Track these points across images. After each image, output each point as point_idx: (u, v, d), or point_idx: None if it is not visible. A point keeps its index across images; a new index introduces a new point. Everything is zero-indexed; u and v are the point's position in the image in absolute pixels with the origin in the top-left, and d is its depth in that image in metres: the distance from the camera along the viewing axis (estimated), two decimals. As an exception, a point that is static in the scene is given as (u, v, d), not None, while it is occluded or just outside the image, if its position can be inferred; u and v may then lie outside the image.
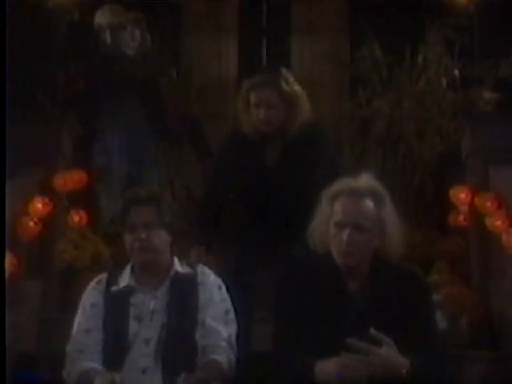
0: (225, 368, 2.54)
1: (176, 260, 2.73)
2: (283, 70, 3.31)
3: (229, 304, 2.69)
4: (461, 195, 4.12)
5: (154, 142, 4.83)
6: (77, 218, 4.31)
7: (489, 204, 3.89)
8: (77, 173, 4.27)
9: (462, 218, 4.19)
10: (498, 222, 3.80)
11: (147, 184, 4.70)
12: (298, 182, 3.12)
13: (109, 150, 4.70)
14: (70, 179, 4.18)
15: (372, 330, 2.24)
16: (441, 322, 3.33)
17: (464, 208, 4.13)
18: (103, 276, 2.75)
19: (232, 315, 2.67)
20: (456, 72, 4.72)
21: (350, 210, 2.37)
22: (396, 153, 4.74)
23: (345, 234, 2.35)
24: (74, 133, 4.37)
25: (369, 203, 2.38)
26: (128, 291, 2.66)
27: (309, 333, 2.33)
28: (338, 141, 4.84)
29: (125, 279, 2.68)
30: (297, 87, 3.26)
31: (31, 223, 3.84)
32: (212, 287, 2.68)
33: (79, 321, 2.67)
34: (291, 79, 3.25)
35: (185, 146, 5.07)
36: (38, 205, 3.91)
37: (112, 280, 2.70)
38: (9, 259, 3.49)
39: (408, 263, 4.01)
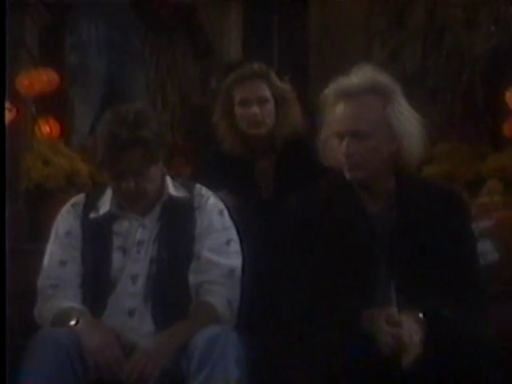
0: (220, 311, 2.55)
1: (169, 180, 2.69)
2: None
3: (232, 233, 2.68)
4: (519, 100, 4.07)
5: (140, 35, 4.78)
6: (46, 128, 4.32)
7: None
8: (45, 72, 4.22)
9: (519, 127, 4.16)
10: None
11: (131, 86, 4.67)
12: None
13: (84, 45, 4.65)
14: (36, 80, 4.14)
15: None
16: (491, 253, 3.36)
17: (523, 116, 4.10)
18: (79, 198, 2.74)
19: (235, 246, 2.67)
20: None
21: (346, 116, 2.37)
22: (439, 47, 4.68)
23: (343, 146, 2.37)
24: (40, 21, 4.31)
25: (369, 102, 2.36)
26: (109, 218, 2.65)
27: (322, 268, 2.35)
28: (367, 34, 4.77)
29: (105, 204, 2.67)
30: (287, 84, 3.23)
31: (-10, 134, 3.82)
32: (211, 212, 2.67)
33: (52, 251, 2.67)
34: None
35: (178, 40, 5.01)
36: (-2, 112, 3.88)
37: (90, 204, 2.69)
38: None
39: (452, 182, 4.03)
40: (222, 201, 2.75)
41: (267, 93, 3.19)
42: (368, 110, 2.36)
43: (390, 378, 2.17)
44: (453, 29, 4.67)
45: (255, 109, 3.16)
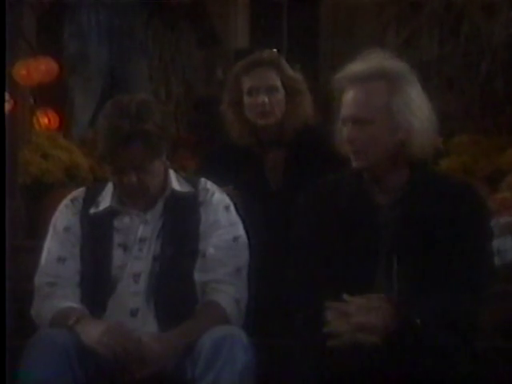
0: (227, 311, 2.54)
1: (173, 175, 2.68)
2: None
3: (239, 229, 2.67)
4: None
5: (143, 22, 4.77)
6: (45, 120, 4.34)
7: None
8: (44, 62, 4.23)
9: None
10: None
11: (133, 76, 4.67)
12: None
13: (84, 33, 4.66)
14: (34, 70, 4.14)
15: None
16: (511, 250, 3.32)
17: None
18: (79, 192, 2.73)
19: (243, 243, 2.66)
20: None
21: (351, 101, 2.38)
22: (456, 33, 4.69)
23: (345, 131, 2.39)
24: (38, 9, 4.34)
25: (375, 89, 2.36)
26: (110, 214, 2.64)
27: (330, 263, 2.36)
28: (380, 20, 4.76)
29: (106, 199, 2.66)
30: (298, 74, 3.23)
31: (-15, 126, 3.83)
32: (217, 208, 2.65)
33: (50, 247, 2.66)
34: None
35: (183, 28, 5.01)
36: (-6, 103, 3.89)
37: (90, 199, 2.68)
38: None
39: (470, 176, 4.02)
40: (229, 195, 2.74)
41: (277, 82, 3.18)
42: (371, 96, 2.36)
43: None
44: (471, 14, 4.67)
45: (264, 98, 3.14)
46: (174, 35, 5.05)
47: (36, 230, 3.77)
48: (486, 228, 2.44)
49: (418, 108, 2.36)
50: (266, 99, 3.14)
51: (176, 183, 2.66)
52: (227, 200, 2.69)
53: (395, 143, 2.36)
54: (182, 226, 2.61)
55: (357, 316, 2.20)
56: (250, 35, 5.74)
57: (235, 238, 2.64)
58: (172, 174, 2.68)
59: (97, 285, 2.59)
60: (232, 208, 2.68)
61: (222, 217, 2.65)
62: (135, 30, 4.77)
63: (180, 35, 5.07)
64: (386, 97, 2.35)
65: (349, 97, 2.38)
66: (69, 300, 2.56)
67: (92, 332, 2.42)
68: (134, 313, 2.56)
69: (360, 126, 2.36)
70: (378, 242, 2.35)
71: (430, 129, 2.38)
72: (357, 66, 2.40)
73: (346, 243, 2.36)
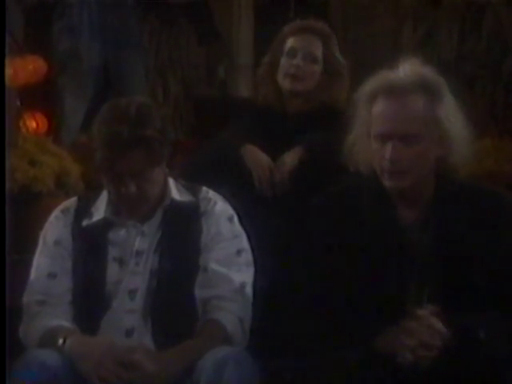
0: (230, 330, 2.55)
1: (172, 183, 2.70)
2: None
3: (243, 241, 2.68)
4: None
5: (138, 17, 4.79)
6: (33, 123, 4.35)
7: None
8: (31, 60, 4.27)
9: None
10: None
11: (128, 76, 4.68)
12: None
13: (75, 29, 4.66)
14: (22, 69, 4.20)
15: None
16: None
17: None
18: (70, 203, 2.75)
19: (247, 256, 2.67)
20: None
21: (392, 116, 2.35)
22: (478, 29, 4.69)
23: (388, 150, 2.34)
24: (25, 3, 4.38)
25: (417, 101, 2.35)
26: (104, 225, 2.65)
27: (343, 279, 2.38)
28: (396, 15, 4.77)
29: (99, 210, 2.67)
30: (344, 60, 3.32)
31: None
32: (219, 218, 2.67)
33: (39, 262, 2.68)
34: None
35: (181, 24, 5.02)
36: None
37: (82, 209, 2.70)
38: None
39: (494, 183, 4.02)
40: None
41: (319, 53, 3.28)
42: (417, 109, 2.34)
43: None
44: (494, 8, 4.68)
45: (300, 61, 3.24)
46: (173, 31, 5.06)
47: (23, 243, 3.77)
48: None
49: (458, 119, 2.38)
50: (302, 63, 3.24)
51: (175, 192, 2.68)
52: (230, 210, 2.71)
53: (437, 158, 2.38)
54: (181, 238, 2.63)
55: (417, 334, 2.23)
56: (254, 31, 5.76)
57: (239, 252, 2.66)
58: (171, 182, 2.70)
59: (90, 302, 2.60)
60: (235, 219, 2.70)
61: (224, 228, 2.66)
62: (130, 26, 4.76)
63: (179, 31, 5.08)
64: (430, 110, 2.35)
65: (384, 110, 2.36)
66: (59, 318, 2.57)
67: (83, 357, 2.43)
68: (129, 333, 2.58)
69: (406, 143, 2.34)
70: (405, 267, 2.35)
71: (467, 138, 2.40)
72: (393, 75, 2.39)
73: (367, 260, 2.37)
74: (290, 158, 3.13)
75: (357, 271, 2.36)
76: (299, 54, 3.27)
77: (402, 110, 2.34)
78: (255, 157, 3.18)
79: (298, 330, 2.44)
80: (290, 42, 3.31)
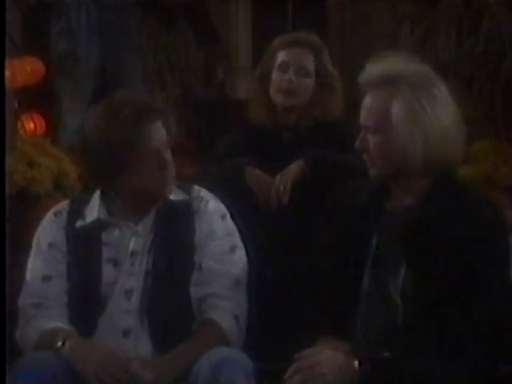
0: (226, 330, 2.55)
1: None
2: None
3: (236, 238, 2.69)
4: None
5: (137, 19, 4.79)
6: (30, 124, 4.34)
7: None
8: (29, 62, 4.27)
9: None
10: None
11: (126, 77, 4.68)
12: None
13: (73, 30, 4.67)
14: (19, 71, 4.19)
15: None
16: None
17: None
18: (63, 205, 2.74)
19: (240, 253, 2.68)
20: None
21: (362, 109, 2.45)
22: (476, 31, 4.67)
23: (358, 140, 2.47)
24: (23, 4, 4.37)
25: (380, 95, 2.40)
26: (98, 226, 2.65)
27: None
28: (393, 16, 4.76)
29: (93, 211, 2.67)
30: (336, 71, 3.30)
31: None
32: (212, 217, 2.67)
33: (34, 265, 2.68)
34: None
35: (180, 25, 5.02)
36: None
37: (75, 211, 2.69)
38: None
39: (491, 186, 4.00)
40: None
41: (311, 66, 3.25)
42: (376, 103, 2.41)
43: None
44: (492, 10, 4.67)
45: (292, 76, 3.21)
46: (171, 33, 5.06)
47: (20, 245, 3.77)
48: (502, 258, 2.41)
49: (435, 116, 2.38)
50: (294, 78, 3.21)
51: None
52: (223, 209, 2.71)
53: (410, 154, 2.38)
54: (175, 237, 2.62)
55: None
56: (253, 33, 5.76)
57: (232, 248, 2.66)
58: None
59: (86, 304, 2.60)
60: (228, 217, 2.71)
61: (217, 226, 2.67)
62: (128, 28, 4.77)
63: (177, 33, 5.07)
64: (388, 104, 2.38)
65: (364, 102, 2.45)
66: (56, 320, 2.57)
67: (82, 359, 2.44)
68: (126, 333, 2.57)
69: (370, 134, 2.43)
70: (384, 249, 2.41)
71: (454, 135, 2.41)
72: (371, 70, 2.43)
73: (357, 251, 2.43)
74: (291, 172, 3.12)
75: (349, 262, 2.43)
76: (291, 68, 3.23)
77: (367, 103, 2.43)
78: (257, 178, 3.15)
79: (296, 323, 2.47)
80: (281, 56, 3.27)
